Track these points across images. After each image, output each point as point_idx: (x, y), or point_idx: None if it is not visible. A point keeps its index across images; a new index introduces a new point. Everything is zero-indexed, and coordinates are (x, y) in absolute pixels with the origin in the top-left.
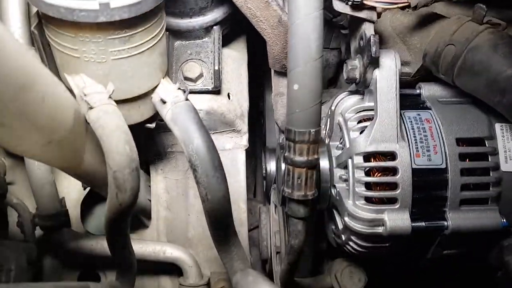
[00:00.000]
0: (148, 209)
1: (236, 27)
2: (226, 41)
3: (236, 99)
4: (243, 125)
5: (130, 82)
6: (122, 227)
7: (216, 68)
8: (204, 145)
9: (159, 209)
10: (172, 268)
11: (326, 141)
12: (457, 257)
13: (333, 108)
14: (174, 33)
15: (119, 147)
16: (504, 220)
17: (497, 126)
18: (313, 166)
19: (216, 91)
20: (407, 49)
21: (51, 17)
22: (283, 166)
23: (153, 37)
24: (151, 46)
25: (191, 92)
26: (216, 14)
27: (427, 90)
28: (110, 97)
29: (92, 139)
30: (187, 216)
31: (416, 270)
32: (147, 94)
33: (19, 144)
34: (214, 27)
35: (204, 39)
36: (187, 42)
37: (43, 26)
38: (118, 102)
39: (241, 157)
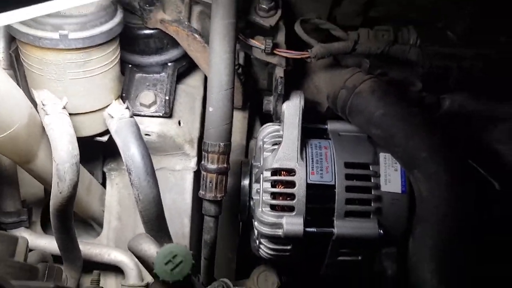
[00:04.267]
0: (101, 218)
1: (195, 67)
2: (184, 78)
3: (186, 127)
4: (192, 150)
5: (84, 99)
6: (65, 214)
7: (167, 97)
8: (138, 153)
9: (110, 219)
10: (117, 271)
11: (250, 163)
12: (352, 266)
13: (257, 135)
14: (136, 67)
15: (63, 145)
16: (381, 231)
17: (381, 155)
18: (222, 172)
19: (167, 116)
20: (317, 93)
21: (24, 42)
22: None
23: (105, 65)
24: (102, 72)
25: (145, 115)
26: (171, 54)
27: (332, 125)
28: (64, 107)
29: (48, 143)
30: (135, 227)
31: (320, 277)
32: (99, 111)
33: None
34: (169, 64)
35: (161, 74)
36: (147, 75)
37: (18, 51)
38: (74, 115)
39: (189, 177)
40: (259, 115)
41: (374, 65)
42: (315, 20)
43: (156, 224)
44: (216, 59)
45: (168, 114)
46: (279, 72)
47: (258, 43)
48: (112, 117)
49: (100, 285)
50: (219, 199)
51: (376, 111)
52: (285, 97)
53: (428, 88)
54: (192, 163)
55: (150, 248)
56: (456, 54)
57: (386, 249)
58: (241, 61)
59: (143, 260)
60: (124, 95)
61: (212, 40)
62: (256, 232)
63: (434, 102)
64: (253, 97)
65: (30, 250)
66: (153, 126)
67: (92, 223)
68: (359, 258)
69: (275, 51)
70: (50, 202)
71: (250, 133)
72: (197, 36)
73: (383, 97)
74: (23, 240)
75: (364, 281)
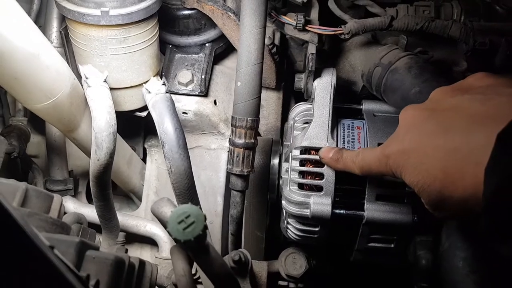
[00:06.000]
0: (141, 192)
1: (233, 49)
2: (221, 59)
3: (222, 106)
4: (227, 129)
5: (124, 74)
6: (102, 182)
7: (203, 76)
8: (172, 127)
9: (149, 193)
10: (153, 244)
11: (281, 142)
12: (384, 253)
13: (289, 114)
14: (176, 48)
15: (102, 115)
16: (416, 217)
17: None
18: (249, 147)
19: (202, 95)
20: (353, 71)
21: (71, 20)
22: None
23: (144, 42)
24: (142, 48)
25: (183, 94)
26: (208, 34)
27: (367, 105)
28: (105, 81)
29: (90, 115)
30: None
31: (351, 263)
32: (138, 87)
33: (28, 98)
34: (207, 44)
35: (199, 54)
36: (186, 55)
37: (67, 29)
38: (115, 89)
39: (223, 156)
40: (294, 98)
41: (413, 43)
42: None
43: (188, 196)
44: (246, 34)
45: (204, 93)
46: (310, 49)
47: (290, 20)
48: (149, 92)
49: (137, 256)
50: (245, 173)
51: (412, 89)
52: (317, 74)
53: (474, 67)
54: (227, 142)
55: (169, 211)
56: (504, 29)
57: (421, 237)
58: (276, 41)
59: (162, 222)
60: (163, 73)
61: (242, 15)
62: (284, 212)
63: None
64: (288, 79)
65: None
66: (190, 105)
67: (133, 197)
68: (391, 245)
69: (307, 28)
70: (89, 169)
71: (285, 116)
72: (231, 14)
73: (420, 74)
74: (57, 198)
75: (396, 270)
